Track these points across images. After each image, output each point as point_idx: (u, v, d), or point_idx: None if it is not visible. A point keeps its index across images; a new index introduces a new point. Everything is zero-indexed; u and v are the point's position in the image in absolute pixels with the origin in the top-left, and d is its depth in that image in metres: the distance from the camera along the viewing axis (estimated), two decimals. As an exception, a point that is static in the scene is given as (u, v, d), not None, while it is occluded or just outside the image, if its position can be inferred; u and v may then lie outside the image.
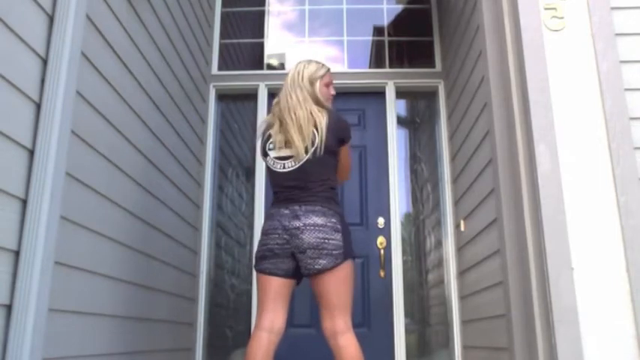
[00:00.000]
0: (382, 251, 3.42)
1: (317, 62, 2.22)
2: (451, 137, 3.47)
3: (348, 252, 1.97)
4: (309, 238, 1.92)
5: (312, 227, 1.94)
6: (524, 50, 2.20)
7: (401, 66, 3.86)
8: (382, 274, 3.39)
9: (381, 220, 3.48)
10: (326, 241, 1.93)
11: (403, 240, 3.50)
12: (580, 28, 2.24)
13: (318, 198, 2.00)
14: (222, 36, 3.85)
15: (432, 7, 3.94)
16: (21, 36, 1.57)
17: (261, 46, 3.94)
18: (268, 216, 2.07)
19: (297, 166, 2.03)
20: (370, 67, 3.92)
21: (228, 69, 3.82)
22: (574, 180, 2.07)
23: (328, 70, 2.23)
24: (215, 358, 3.38)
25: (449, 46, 3.52)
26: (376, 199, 3.56)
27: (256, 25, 4.02)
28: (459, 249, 3.26)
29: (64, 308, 1.78)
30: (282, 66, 3.92)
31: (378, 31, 3.96)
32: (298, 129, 2.02)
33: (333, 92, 2.25)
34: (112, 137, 2.15)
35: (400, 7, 4.05)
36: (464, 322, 3.18)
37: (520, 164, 2.20)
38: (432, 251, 3.57)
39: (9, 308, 1.52)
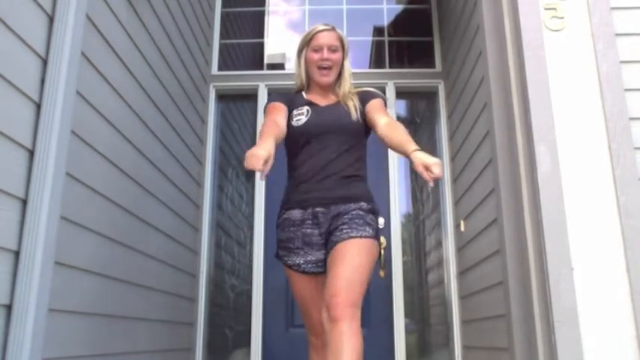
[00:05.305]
0: (382, 251, 3.42)
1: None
2: (451, 137, 3.47)
3: None
4: None
5: None
6: (524, 50, 2.20)
7: (401, 66, 3.86)
8: (382, 274, 3.38)
9: (381, 220, 3.48)
10: None
11: (403, 240, 3.50)
12: (580, 28, 2.24)
13: None
14: (222, 36, 3.85)
15: (432, 7, 3.94)
16: (21, 36, 1.57)
17: (261, 46, 3.94)
18: None
19: None
20: (370, 68, 3.92)
21: (228, 69, 3.82)
22: (574, 180, 2.07)
23: (311, 31, 2.00)
24: (215, 358, 3.38)
25: (449, 47, 3.52)
26: (376, 199, 3.54)
27: (256, 25, 4.02)
28: (459, 249, 3.25)
29: (64, 308, 1.78)
30: (282, 66, 3.92)
31: (378, 31, 3.96)
32: None
33: (316, 56, 1.98)
34: (112, 137, 2.14)
35: (400, 7, 4.05)
36: (464, 322, 3.18)
37: (520, 164, 2.20)
38: (432, 251, 3.57)
39: (9, 308, 1.52)
